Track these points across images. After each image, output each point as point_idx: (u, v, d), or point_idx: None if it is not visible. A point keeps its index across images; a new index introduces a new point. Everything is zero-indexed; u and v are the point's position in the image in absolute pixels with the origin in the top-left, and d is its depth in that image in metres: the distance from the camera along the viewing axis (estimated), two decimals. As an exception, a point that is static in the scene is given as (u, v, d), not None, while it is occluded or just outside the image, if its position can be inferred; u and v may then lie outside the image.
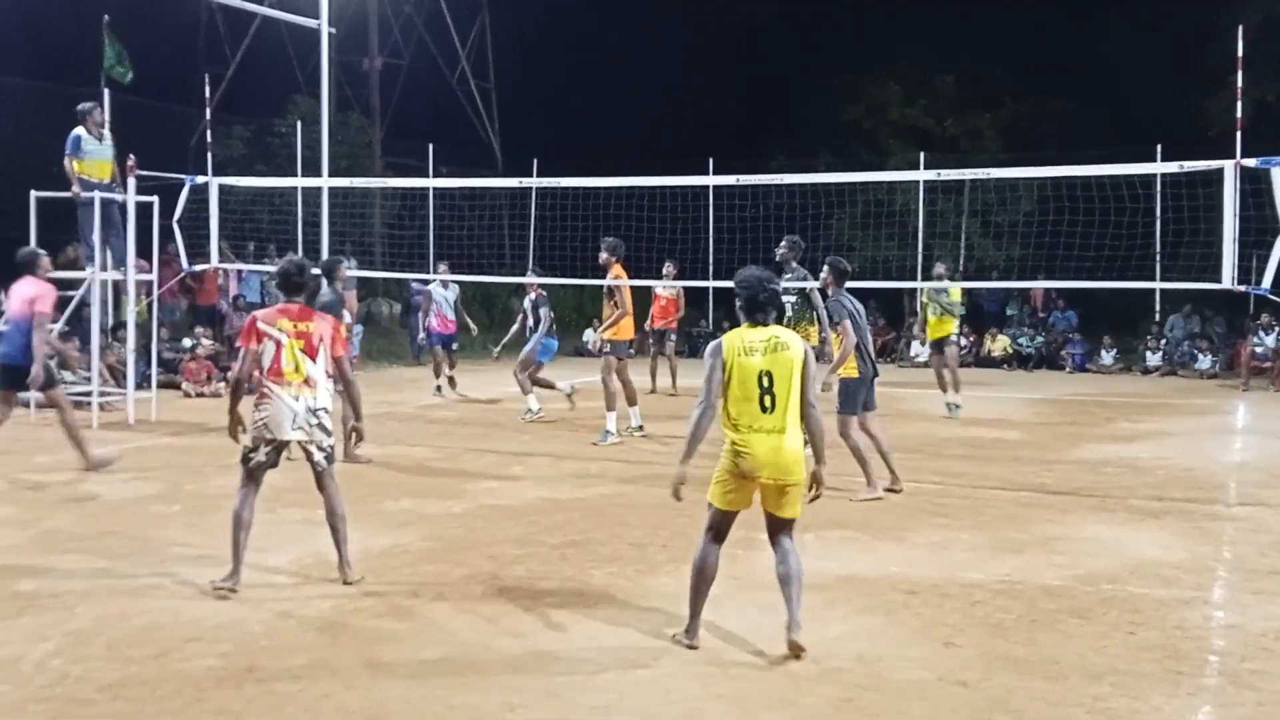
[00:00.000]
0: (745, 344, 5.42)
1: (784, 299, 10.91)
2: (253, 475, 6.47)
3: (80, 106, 13.04)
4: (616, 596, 6.32)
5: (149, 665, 5.14)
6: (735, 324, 5.64)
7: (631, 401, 12.39)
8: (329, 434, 6.53)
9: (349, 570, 6.56)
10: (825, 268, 9.58)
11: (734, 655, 5.36)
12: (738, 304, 5.61)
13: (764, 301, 5.51)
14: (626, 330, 12.33)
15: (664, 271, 16.81)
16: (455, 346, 16.88)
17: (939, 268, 15.43)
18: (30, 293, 9.66)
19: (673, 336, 17.49)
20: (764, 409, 5.35)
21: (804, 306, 11.34)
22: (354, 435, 7.16)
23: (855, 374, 9.26)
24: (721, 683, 5.02)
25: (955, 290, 14.81)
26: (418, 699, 4.81)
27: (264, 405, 6.40)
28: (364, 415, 7.09)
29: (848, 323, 9.25)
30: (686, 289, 17.83)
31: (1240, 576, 6.88)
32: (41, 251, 10.44)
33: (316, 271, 7.94)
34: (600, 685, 4.98)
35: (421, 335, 17.39)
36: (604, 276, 12.20)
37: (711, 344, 5.52)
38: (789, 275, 11.24)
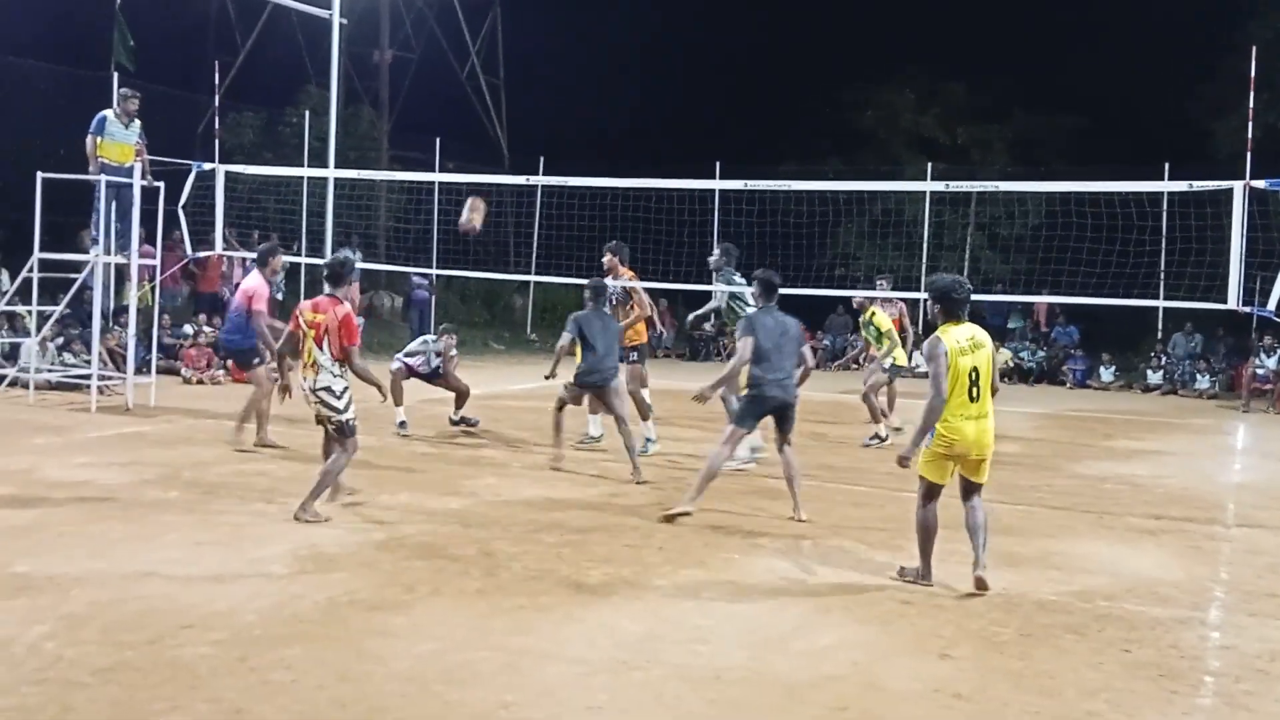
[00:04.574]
0: (959, 344, 6.43)
1: (717, 305, 11.06)
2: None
3: (120, 90, 13.60)
4: (611, 597, 6.31)
5: (142, 650, 5.14)
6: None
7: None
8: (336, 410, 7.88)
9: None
10: (755, 283, 8.92)
11: (728, 660, 5.35)
12: (934, 305, 6.63)
13: (963, 299, 6.56)
14: (643, 334, 11.82)
15: (878, 285, 14.29)
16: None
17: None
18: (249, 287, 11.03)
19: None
20: (972, 399, 6.45)
21: (732, 312, 11.02)
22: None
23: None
24: (715, 687, 5.01)
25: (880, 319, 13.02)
26: (412, 694, 4.80)
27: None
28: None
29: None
30: (683, 292, 16.19)
31: (1236, 597, 6.88)
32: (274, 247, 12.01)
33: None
34: (594, 686, 4.97)
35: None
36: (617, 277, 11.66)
37: (929, 346, 6.50)
38: (723, 282, 11.07)
